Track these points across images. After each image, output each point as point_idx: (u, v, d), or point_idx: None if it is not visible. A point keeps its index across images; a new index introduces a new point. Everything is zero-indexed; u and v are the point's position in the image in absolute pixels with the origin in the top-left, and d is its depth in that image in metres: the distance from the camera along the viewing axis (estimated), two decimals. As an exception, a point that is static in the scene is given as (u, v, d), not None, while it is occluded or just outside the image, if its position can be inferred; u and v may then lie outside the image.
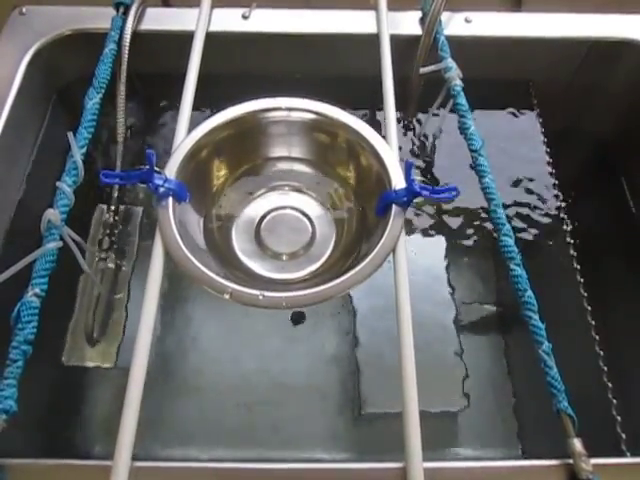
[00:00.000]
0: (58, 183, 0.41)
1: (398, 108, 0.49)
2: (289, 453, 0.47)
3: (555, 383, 0.36)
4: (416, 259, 0.53)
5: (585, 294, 0.50)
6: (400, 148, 0.47)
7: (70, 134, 0.42)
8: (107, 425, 0.46)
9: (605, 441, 0.45)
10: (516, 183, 0.58)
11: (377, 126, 0.58)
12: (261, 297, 0.38)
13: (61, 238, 0.40)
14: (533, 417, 0.46)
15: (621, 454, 0.43)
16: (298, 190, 0.51)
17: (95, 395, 0.48)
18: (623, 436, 0.44)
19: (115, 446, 0.33)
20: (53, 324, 0.48)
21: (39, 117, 0.58)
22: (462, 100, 0.50)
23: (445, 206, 0.57)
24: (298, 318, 0.52)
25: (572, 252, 0.52)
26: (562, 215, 0.55)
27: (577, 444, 0.35)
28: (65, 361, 0.48)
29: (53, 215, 0.39)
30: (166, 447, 0.46)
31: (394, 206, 0.42)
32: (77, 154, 0.42)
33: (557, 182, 0.57)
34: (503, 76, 0.61)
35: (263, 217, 0.49)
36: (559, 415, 0.36)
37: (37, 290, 0.37)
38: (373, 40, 0.54)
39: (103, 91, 0.48)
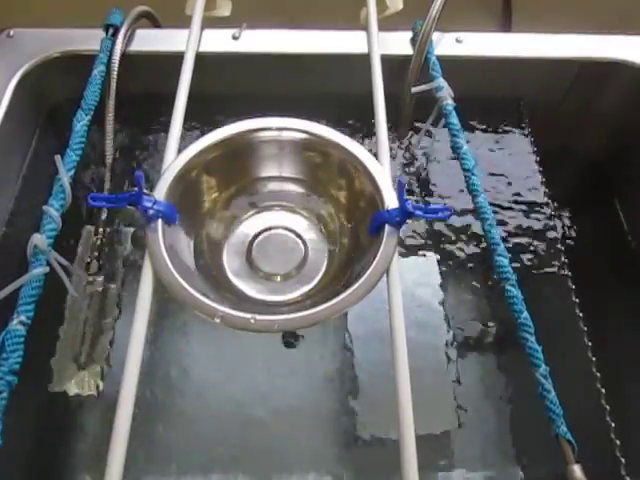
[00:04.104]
0: (45, 207, 0.40)
1: (390, 127, 0.48)
2: (283, 478, 0.46)
3: (553, 407, 0.36)
4: (409, 279, 0.53)
5: (581, 315, 0.50)
6: (392, 167, 0.46)
7: (57, 157, 0.42)
8: (95, 454, 0.45)
9: (604, 465, 0.44)
10: (509, 201, 0.58)
11: (369, 145, 0.59)
12: (253, 320, 0.38)
13: (48, 262, 0.39)
14: (531, 440, 0.46)
15: (621, 479, 0.43)
16: (289, 210, 0.50)
17: (82, 423, 0.46)
18: (622, 460, 0.43)
19: (104, 476, 0.32)
20: (39, 349, 0.47)
21: (27, 139, 0.57)
22: (454, 119, 0.50)
23: (438, 225, 0.57)
24: (290, 340, 0.52)
25: (567, 272, 0.52)
26: (556, 234, 0.55)
27: (577, 470, 0.34)
28: (51, 388, 0.47)
29: (39, 240, 0.38)
30: (156, 475, 0.45)
31: (387, 226, 0.41)
32: (65, 177, 0.41)
33: (550, 201, 0.57)
34: (494, 95, 0.61)
35: (254, 238, 0.48)
36: (558, 440, 0.36)
37: (23, 318, 0.36)
38: (364, 60, 0.54)
39: (92, 113, 0.48)
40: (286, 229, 0.49)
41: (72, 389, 0.47)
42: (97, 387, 0.47)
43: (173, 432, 0.46)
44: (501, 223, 0.56)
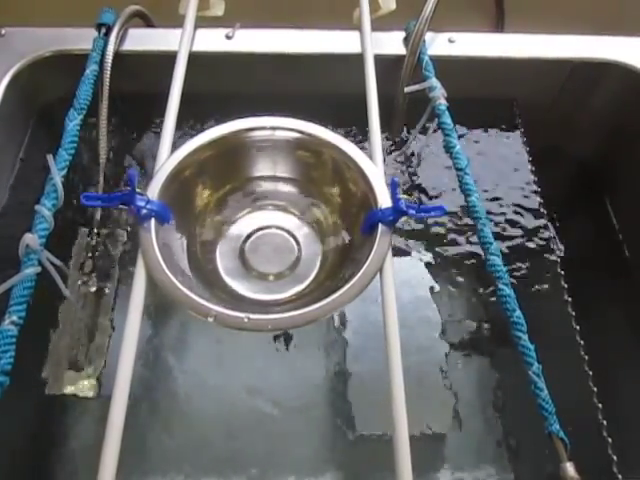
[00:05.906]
0: (37, 207, 0.40)
1: (383, 127, 0.48)
2: (279, 477, 0.45)
3: (546, 405, 0.36)
4: (402, 278, 0.53)
5: (573, 313, 0.50)
6: (385, 166, 0.46)
7: (49, 156, 0.41)
8: (89, 456, 0.45)
9: (597, 463, 0.44)
10: (502, 201, 0.58)
11: (362, 145, 0.59)
12: (246, 320, 0.38)
13: (40, 263, 0.39)
14: (524, 438, 0.46)
15: (613, 477, 0.43)
16: (283, 209, 0.50)
17: (77, 425, 0.46)
18: (614, 458, 0.44)
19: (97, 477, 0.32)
20: (35, 351, 0.47)
21: (19, 139, 0.57)
22: (447, 119, 0.50)
23: (431, 224, 0.57)
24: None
25: (559, 270, 0.52)
26: (548, 234, 0.55)
27: (570, 468, 0.34)
28: (46, 390, 0.47)
29: (31, 240, 0.38)
30: (150, 475, 0.45)
31: (380, 225, 0.41)
32: (57, 176, 0.41)
33: (542, 200, 0.57)
34: (487, 95, 0.62)
35: (248, 237, 0.48)
36: (551, 438, 0.36)
37: (14, 318, 0.35)
38: (357, 60, 0.54)
39: (84, 112, 0.48)
40: (280, 228, 0.49)
41: (66, 391, 0.47)
42: (94, 388, 0.47)
43: (169, 431, 0.46)
44: (493, 222, 0.56)
